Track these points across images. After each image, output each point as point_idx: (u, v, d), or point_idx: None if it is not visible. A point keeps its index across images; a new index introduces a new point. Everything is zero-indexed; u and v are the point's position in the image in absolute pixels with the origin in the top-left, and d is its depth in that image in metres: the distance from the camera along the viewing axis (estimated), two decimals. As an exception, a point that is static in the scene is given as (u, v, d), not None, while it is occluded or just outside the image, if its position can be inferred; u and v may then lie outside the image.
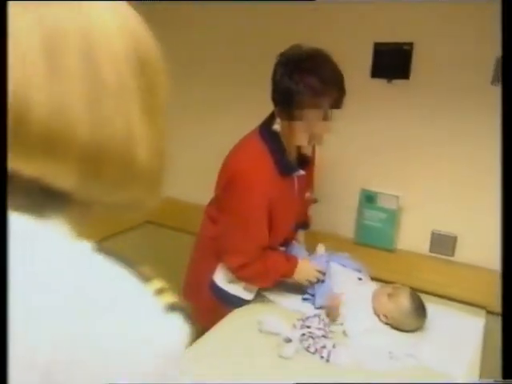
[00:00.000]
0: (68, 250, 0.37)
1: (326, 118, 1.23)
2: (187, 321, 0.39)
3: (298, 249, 1.52)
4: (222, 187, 1.33)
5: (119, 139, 0.38)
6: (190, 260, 1.54)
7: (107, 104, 0.37)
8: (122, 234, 2.02)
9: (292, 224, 1.46)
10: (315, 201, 1.75)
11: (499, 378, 1.02)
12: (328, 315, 1.35)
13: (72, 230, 0.40)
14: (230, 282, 1.40)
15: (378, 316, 1.36)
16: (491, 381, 1.11)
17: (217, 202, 1.40)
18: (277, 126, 1.28)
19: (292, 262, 1.41)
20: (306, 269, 1.42)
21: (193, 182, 2.00)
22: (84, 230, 0.46)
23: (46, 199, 0.38)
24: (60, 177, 0.37)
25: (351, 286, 1.42)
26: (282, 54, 1.24)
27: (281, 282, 1.45)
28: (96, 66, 0.37)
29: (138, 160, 0.40)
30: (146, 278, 0.38)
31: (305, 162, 1.39)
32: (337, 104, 1.23)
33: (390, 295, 1.36)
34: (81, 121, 0.36)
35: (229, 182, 1.28)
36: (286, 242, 1.50)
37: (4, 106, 0.33)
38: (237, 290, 1.41)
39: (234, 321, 1.37)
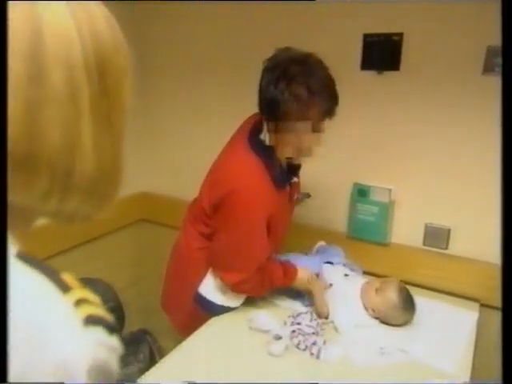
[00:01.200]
0: None
1: (316, 129, 1.16)
2: (111, 332, 0.37)
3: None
4: (215, 203, 1.25)
5: (56, 151, 0.36)
6: (168, 270, 1.49)
7: (48, 112, 0.35)
8: (116, 232, 2.02)
9: (286, 230, 1.43)
10: (308, 196, 1.73)
11: (494, 373, 1.01)
12: (317, 313, 1.34)
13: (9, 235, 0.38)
14: (217, 292, 1.36)
15: (367, 310, 1.35)
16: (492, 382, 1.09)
17: (206, 216, 1.31)
18: (265, 138, 1.21)
19: (290, 275, 1.36)
20: (304, 277, 1.38)
21: (186, 180, 1.99)
22: (64, 230, 0.45)
23: None
24: None
25: (337, 282, 1.41)
26: (269, 59, 1.17)
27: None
28: (42, 71, 0.35)
29: (78, 173, 0.38)
30: (65, 288, 0.36)
31: (296, 168, 1.35)
32: (328, 114, 1.16)
33: (377, 289, 1.34)
34: (14, 127, 0.34)
35: (226, 199, 1.21)
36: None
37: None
38: (224, 300, 1.37)
39: (223, 319, 1.36)
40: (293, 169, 1.35)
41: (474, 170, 1.48)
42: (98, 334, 0.36)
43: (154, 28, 1.94)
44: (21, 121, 0.34)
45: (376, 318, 1.34)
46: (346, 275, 1.45)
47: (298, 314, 1.33)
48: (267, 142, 1.21)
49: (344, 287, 1.39)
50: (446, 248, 1.57)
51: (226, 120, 1.86)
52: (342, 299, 1.35)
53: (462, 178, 1.51)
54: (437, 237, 1.57)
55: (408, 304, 1.33)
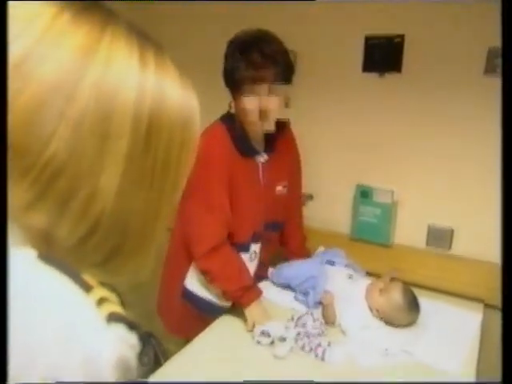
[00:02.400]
0: (12, 256, 0.36)
1: (272, 92, 1.22)
2: (131, 330, 0.38)
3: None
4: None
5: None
6: (162, 272, 1.49)
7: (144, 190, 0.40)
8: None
9: (259, 215, 1.39)
10: (310, 198, 1.74)
11: (498, 374, 1.01)
12: (324, 316, 1.34)
13: (25, 235, 0.39)
14: (203, 285, 1.36)
15: (372, 311, 1.35)
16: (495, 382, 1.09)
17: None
18: (232, 108, 1.31)
19: (254, 291, 1.33)
20: (258, 313, 1.31)
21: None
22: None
23: None
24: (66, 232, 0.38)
25: (342, 284, 1.41)
26: (230, 40, 1.27)
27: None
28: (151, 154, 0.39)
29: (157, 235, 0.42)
30: (87, 287, 0.37)
31: (271, 147, 1.37)
32: (282, 78, 1.22)
33: (381, 290, 1.35)
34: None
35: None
36: (256, 239, 1.41)
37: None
38: (211, 295, 1.36)
39: (226, 321, 1.36)
40: (267, 141, 1.36)
41: (476, 170, 1.48)
42: (120, 331, 0.37)
43: (156, 29, 1.95)
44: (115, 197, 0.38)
45: (381, 319, 1.34)
46: (350, 276, 1.45)
47: (299, 317, 1.32)
48: (231, 111, 1.30)
49: (349, 289, 1.39)
50: (450, 249, 1.57)
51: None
52: (347, 302, 1.35)
53: (465, 179, 1.51)
54: (440, 237, 1.58)
55: (412, 305, 1.33)
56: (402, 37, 1.49)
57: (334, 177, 1.71)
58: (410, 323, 1.33)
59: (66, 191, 0.37)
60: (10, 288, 0.33)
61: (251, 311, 1.31)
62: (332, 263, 1.50)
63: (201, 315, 1.38)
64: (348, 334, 1.29)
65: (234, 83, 1.23)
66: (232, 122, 1.30)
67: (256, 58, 1.18)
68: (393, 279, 1.41)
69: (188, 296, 1.38)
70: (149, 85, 0.39)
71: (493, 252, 1.44)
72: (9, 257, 0.35)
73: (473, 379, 1.16)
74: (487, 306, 1.46)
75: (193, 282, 1.38)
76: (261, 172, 1.36)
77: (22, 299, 0.33)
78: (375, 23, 1.53)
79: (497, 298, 1.42)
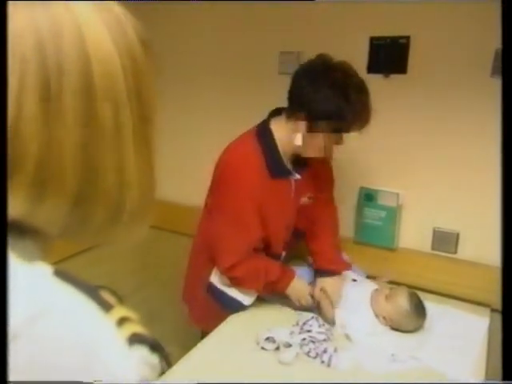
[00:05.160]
0: (25, 274, 0.34)
1: (340, 141, 1.24)
2: (154, 350, 0.37)
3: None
4: (214, 182, 1.32)
5: (110, 186, 0.36)
6: (188, 262, 1.52)
7: (101, 150, 0.35)
8: (120, 238, 2.00)
9: (289, 227, 1.41)
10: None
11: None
12: (321, 314, 1.32)
13: (39, 251, 0.37)
14: (228, 282, 1.37)
15: (378, 318, 1.33)
16: (495, 381, 1.08)
17: (210, 197, 1.36)
18: (297, 140, 1.22)
19: (287, 274, 1.36)
20: (300, 289, 1.37)
21: (191, 186, 1.98)
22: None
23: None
24: (45, 223, 0.35)
25: (347, 288, 1.39)
26: (306, 64, 1.21)
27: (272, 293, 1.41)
28: (93, 107, 0.34)
29: (127, 203, 0.38)
30: (107, 307, 0.35)
31: (302, 164, 1.34)
32: (363, 126, 1.21)
33: (387, 296, 1.33)
34: (72, 170, 0.34)
35: (219, 177, 1.28)
36: (286, 247, 1.45)
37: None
38: (235, 292, 1.37)
39: (231, 326, 1.34)
40: (300, 163, 1.34)
41: (482, 173, 1.46)
42: (143, 352, 0.35)
43: (159, 29, 1.93)
44: (79, 162, 0.34)
45: (388, 325, 1.32)
46: (354, 280, 1.43)
47: (305, 321, 1.31)
48: (298, 143, 1.22)
49: (353, 294, 1.37)
50: (455, 252, 1.55)
51: (232, 126, 1.85)
52: (352, 307, 1.33)
53: (471, 182, 1.49)
54: (445, 241, 1.56)
55: (419, 310, 1.31)
56: (407, 38, 1.48)
57: (338, 179, 1.69)
58: (417, 328, 1.32)
59: (93, 178, 0.35)
60: (30, 306, 0.31)
61: (291, 291, 1.36)
62: None
63: (222, 310, 1.38)
64: (354, 341, 1.26)
65: (324, 118, 1.16)
66: (269, 142, 1.26)
67: (359, 107, 1.15)
68: (390, 282, 1.40)
69: (212, 291, 1.39)
70: (125, 57, 0.37)
71: (499, 256, 1.42)
72: (11, 262, 0.34)
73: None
74: (494, 310, 1.44)
75: (217, 279, 1.38)
76: (292, 189, 1.35)
77: (44, 320, 0.31)
78: (380, 24, 1.51)
79: (503, 303, 1.41)
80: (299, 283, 1.38)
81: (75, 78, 0.33)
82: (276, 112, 1.31)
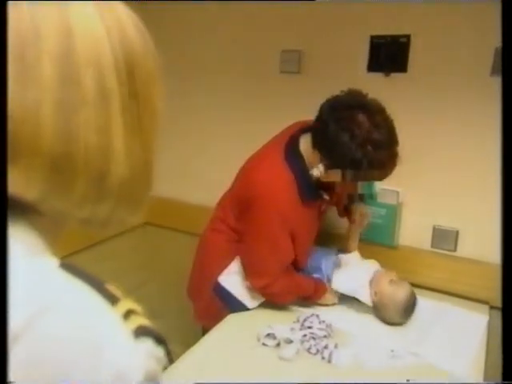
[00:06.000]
0: (32, 267, 0.34)
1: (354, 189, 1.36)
2: (159, 343, 0.37)
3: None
4: (241, 200, 1.31)
5: (92, 153, 0.36)
6: (195, 260, 1.51)
7: (82, 114, 0.35)
8: (121, 235, 2.00)
9: (313, 241, 1.46)
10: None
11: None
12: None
13: (43, 243, 0.37)
14: (238, 285, 1.38)
15: (370, 290, 1.37)
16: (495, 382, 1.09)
17: (235, 209, 1.36)
18: (318, 170, 1.22)
19: (321, 288, 1.42)
20: (330, 298, 1.44)
21: (192, 184, 1.99)
22: (68, 234, 0.44)
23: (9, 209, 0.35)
24: (22, 187, 0.34)
25: (353, 261, 1.49)
26: (335, 99, 1.19)
27: None
28: (74, 72, 0.34)
29: (112, 176, 0.38)
30: (114, 299, 0.36)
31: (326, 187, 1.35)
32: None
33: (392, 281, 1.36)
34: (49, 130, 0.33)
35: (251, 201, 1.26)
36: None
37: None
38: (242, 295, 1.39)
39: (232, 324, 1.35)
40: (323, 186, 1.34)
41: (482, 171, 1.47)
42: (148, 345, 0.36)
43: (158, 29, 1.94)
44: (54, 123, 0.34)
45: (372, 303, 1.37)
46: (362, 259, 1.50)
47: (305, 319, 1.32)
48: (316, 174, 1.22)
49: (356, 267, 1.45)
50: (455, 250, 1.56)
51: (233, 124, 1.87)
52: (350, 269, 1.42)
53: (470, 180, 1.50)
54: (445, 239, 1.57)
55: (409, 311, 1.34)
56: (407, 37, 1.48)
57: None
58: (394, 324, 1.34)
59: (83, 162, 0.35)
60: (36, 298, 0.32)
61: (322, 301, 1.43)
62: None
63: (226, 310, 1.39)
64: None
65: (340, 167, 1.18)
66: (301, 170, 1.25)
67: (386, 164, 1.17)
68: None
69: (219, 291, 1.39)
70: (113, 29, 0.37)
71: (498, 253, 1.42)
72: (14, 255, 0.34)
73: (481, 380, 1.15)
74: (493, 307, 1.45)
75: (228, 280, 1.39)
76: (321, 208, 1.39)
77: (50, 312, 0.32)
78: (381, 23, 1.52)
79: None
80: (331, 294, 1.43)
81: (53, 42, 0.33)
82: (304, 127, 1.30)
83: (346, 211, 1.57)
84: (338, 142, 1.13)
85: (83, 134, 0.35)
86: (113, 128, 0.37)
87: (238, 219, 1.35)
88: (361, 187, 1.40)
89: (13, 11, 0.33)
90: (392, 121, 1.19)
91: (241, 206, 1.32)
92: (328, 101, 1.20)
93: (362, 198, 1.52)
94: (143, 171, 0.41)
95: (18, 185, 0.34)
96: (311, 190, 1.28)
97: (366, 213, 1.51)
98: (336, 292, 1.43)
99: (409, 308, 1.34)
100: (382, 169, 1.18)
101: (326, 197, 1.33)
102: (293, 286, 1.37)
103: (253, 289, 1.36)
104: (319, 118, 1.20)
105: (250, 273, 1.35)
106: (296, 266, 1.40)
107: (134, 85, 0.38)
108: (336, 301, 1.44)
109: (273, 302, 1.39)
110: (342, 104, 1.17)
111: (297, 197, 1.26)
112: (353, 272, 1.44)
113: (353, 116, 1.13)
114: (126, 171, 0.38)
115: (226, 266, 1.39)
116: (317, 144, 1.21)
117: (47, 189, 0.35)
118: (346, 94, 1.19)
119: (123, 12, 0.40)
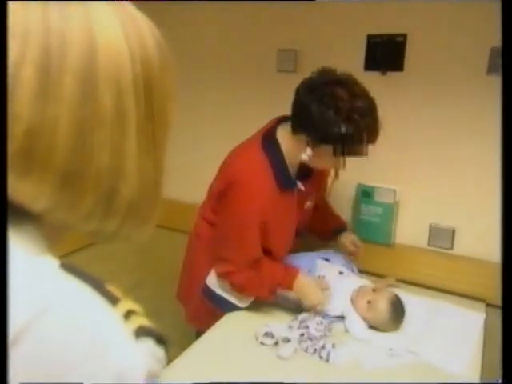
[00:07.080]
0: (32, 267, 0.34)
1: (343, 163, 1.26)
2: (159, 343, 0.37)
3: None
4: (219, 191, 1.30)
5: (103, 173, 0.36)
6: (184, 260, 1.51)
7: (98, 135, 0.35)
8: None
9: (292, 235, 1.42)
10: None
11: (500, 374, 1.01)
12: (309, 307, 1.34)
13: (44, 245, 0.37)
14: (224, 286, 1.36)
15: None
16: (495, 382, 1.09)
17: (213, 203, 1.36)
18: (306, 154, 1.21)
19: (290, 273, 1.34)
20: (307, 284, 1.34)
21: (190, 184, 1.98)
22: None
23: (13, 214, 0.35)
24: (31, 198, 0.34)
25: (333, 279, 1.41)
26: (308, 79, 1.19)
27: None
28: (93, 89, 0.34)
29: (121, 195, 0.38)
30: (114, 300, 0.36)
31: (306, 173, 1.35)
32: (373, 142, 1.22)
33: (369, 303, 1.32)
34: (64, 148, 0.33)
35: (227, 188, 1.26)
36: (289, 250, 1.47)
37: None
38: (230, 295, 1.37)
39: (230, 322, 1.35)
40: (303, 173, 1.33)
41: (478, 169, 1.48)
42: (149, 344, 0.36)
43: (158, 28, 1.93)
44: (70, 141, 0.34)
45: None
46: (341, 273, 1.45)
47: (304, 317, 1.31)
48: (304, 158, 1.22)
49: (337, 284, 1.39)
50: (451, 248, 1.57)
51: (232, 124, 1.87)
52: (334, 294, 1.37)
53: (467, 178, 1.51)
54: (441, 237, 1.57)
55: (399, 317, 1.33)
56: (404, 36, 1.49)
57: (335, 176, 1.70)
58: (394, 330, 1.33)
59: (95, 177, 0.35)
60: (35, 299, 0.32)
61: (299, 289, 1.33)
62: (327, 260, 1.52)
63: (217, 311, 1.38)
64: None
65: (328, 142, 1.16)
66: (277, 155, 1.25)
67: (374, 130, 1.17)
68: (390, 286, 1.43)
69: (208, 293, 1.38)
70: (135, 50, 0.37)
71: (494, 251, 1.44)
72: (13, 258, 0.34)
73: (477, 379, 1.15)
74: (489, 305, 1.46)
75: (213, 281, 1.38)
76: (295, 198, 1.35)
77: (51, 313, 0.32)
78: (377, 22, 1.52)
79: (499, 298, 1.42)
80: (305, 278, 1.35)
81: (77, 59, 0.33)
82: (281, 119, 1.29)
83: (333, 239, 1.57)
84: (324, 119, 1.13)
85: (97, 154, 0.35)
86: (126, 149, 0.37)
87: (215, 211, 1.35)
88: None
89: (43, 21, 0.33)
90: (367, 89, 1.19)
91: (219, 198, 1.31)
92: (303, 83, 1.20)
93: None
94: (153, 190, 0.41)
95: (27, 196, 0.34)
96: (287, 178, 1.28)
97: (357, 243, 1.52)
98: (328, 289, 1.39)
99: (398, 317, 1.33)
100: (371, 134, 1.18)
101: (302, 187, 1.32)
102: (264, 277, 1.30)
103: (216, 275, 1.34)
104: (297, 102, 1.20)
105: (217, 257, 1.33)
106: (277, 255, 1.37)
107: (151, 104, 0.38)
108: (320, 295, 1.33)
109: (241, 293, 1.35)
110: (318, 83, 1.17)
111: (273, 183, 1.24)
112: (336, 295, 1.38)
113: (332, 91, 1.13)
114: (136, 191, 0.39)
115: (212, 266, 1.37)
116: (300, 127, 1.20)
117: (55, 202, 0.35)
118: (318, 73, 1.19)
119: (145, 25, 0.40)
